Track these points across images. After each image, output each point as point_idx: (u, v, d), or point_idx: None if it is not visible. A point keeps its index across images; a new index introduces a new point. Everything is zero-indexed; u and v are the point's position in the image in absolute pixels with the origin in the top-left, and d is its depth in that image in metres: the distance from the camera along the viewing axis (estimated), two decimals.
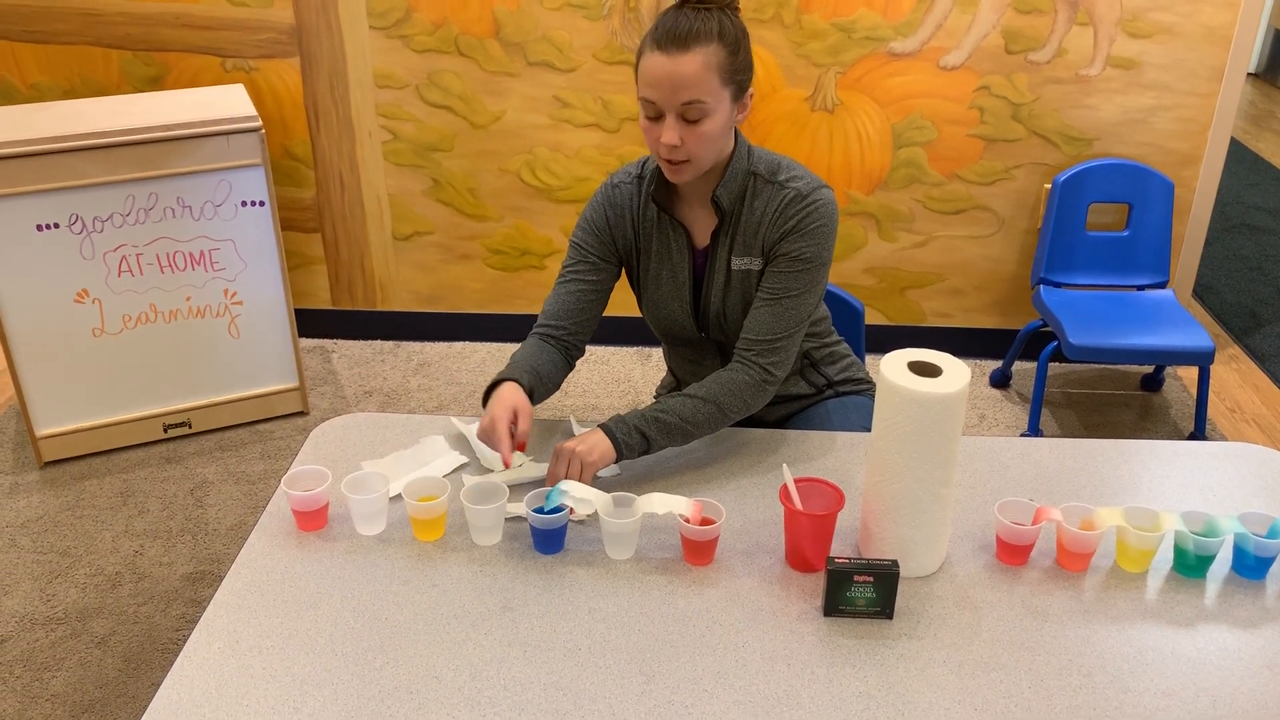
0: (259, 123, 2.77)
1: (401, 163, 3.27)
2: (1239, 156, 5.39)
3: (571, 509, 1.50)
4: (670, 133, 1.56)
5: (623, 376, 3.30)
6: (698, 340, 1.84)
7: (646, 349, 3.46)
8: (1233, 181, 5.04)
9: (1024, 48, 3.00)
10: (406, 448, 1.71)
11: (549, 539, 1.48)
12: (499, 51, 3.10)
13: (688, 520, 1.46)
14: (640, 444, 1.61)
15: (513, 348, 3.48)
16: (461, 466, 1.68)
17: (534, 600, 1.41)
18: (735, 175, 1.68)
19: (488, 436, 1.58)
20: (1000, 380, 3.27)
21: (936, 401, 1.35)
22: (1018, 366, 3.35)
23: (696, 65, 1.52)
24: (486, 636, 1.35)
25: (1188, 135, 3.08)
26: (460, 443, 1.73)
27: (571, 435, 1.75)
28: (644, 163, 1.78)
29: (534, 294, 3.44)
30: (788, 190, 1.68)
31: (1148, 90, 3.03)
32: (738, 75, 1.58)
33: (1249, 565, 1.45)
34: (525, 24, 3.06)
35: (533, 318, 3.45)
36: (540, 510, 1.47)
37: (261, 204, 2.85)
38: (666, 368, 2.05)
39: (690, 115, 1.55)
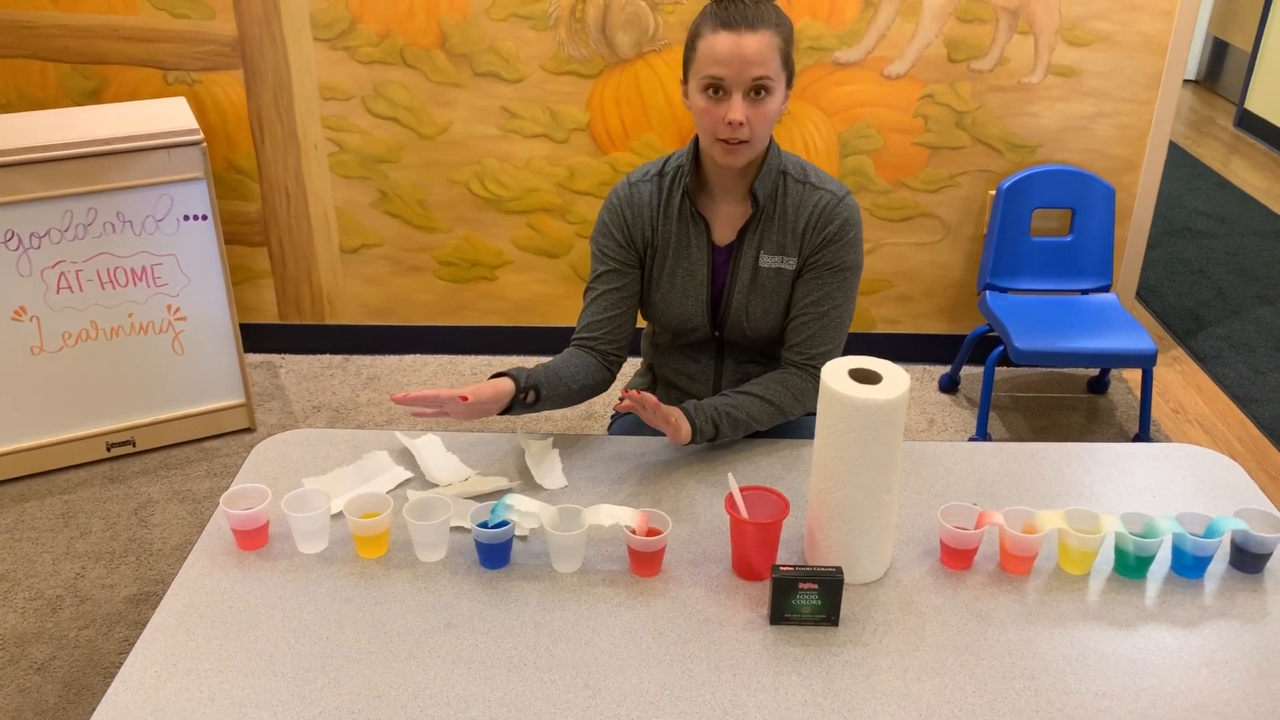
0: (200, 136, 2.73)
1: (348, 175, 3.24)
2: (1180, 161, 5.49)
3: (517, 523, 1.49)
4: (738, 110, 1.58)
5: None
6: (704, 340, 1.84)
7: None
8: (1174, 186, 5.14)
9: (966, 56, 3.04)
10: (349, 464, 1.69)
11: (494, 553, 1.47)
12: (445, 62, 3.09)
13: (634, 531, 1.45)
14: (711, 433, 1.68)
15: (464, 360, 3.45)
16: (406, 482, 1.66)
17: (479, 616, 1.39)
18: (770, 170, 1.71)
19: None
20: (949, 385, 3.30)
21: (876, 408, 1.36)
22: (966, 371, 3.39)
23: (764, 43, 1.58)
24: (430, 654, 1.33)
25: (1128, 141, 3.13)
26: (405, 458, 1.71)
27: (520, 450, 1.74)
28: (665, 161, 1.79)
29: (485, 305, 3.43)
30: (823, 194, 1.73)
31: (1088, 97, 3.08)
32: (789, 64, 1.65)
33: (1187, 565, 1.47)
34: (472, 35, 3.05)
35: (485, 329, 3.44)
36: (485, 525, 1.46)
37: (204, 218, 2.81)
38: (643, 366, 2.02)
39: (757, 92, 1.59)
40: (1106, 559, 1.51)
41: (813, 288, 1.73)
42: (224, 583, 1.45)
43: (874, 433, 1.38)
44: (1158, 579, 1.48)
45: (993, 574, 1.49)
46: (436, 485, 1.64)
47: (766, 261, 1.75)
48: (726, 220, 1.77)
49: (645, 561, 1.46)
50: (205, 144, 2.74)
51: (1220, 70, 6.75)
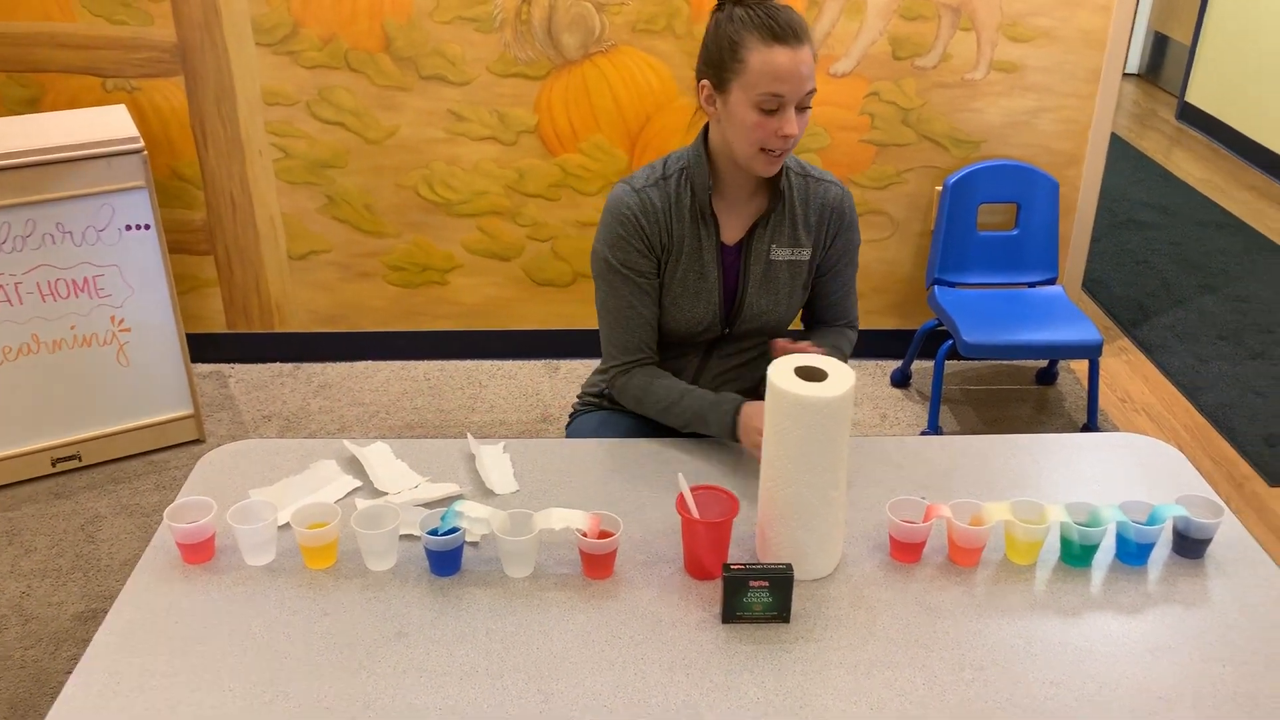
0: (141, 144, 2.68)
1: (294, 181, 3.21)
2: (1125, 155, 5.59)
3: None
4: (793, 124, 1.61)
5: (531, 390, 3.28)
6: (700, 341, 1.84)
7: (555, 361, 3.45)
8: (1119, 179, 5.23)
9: (911, 54, 3.07)
10: (297, 474, 1.67)
11: (444, 561, 1.46)
12: (390, 66, 3.06)
13: (585, 534, 1.45)
14: None
15: (416, 365, 3.42)
16: (355, 490, 1.64)
17: (429, 624, 1.38)
18: (782, 167, 1.74)
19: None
20: (900, 380, 3.33)
21: (822, 406, 1.37)
22: (918, 365, 3.42)
23: (810, 57, 1.61)
24: (380, 664, 1.32)
25: (1070, 135, 3.18)
26: (353, 466, 1.69)
27: (470, 455, 1.73)
28: (663, 165, 1.78)
29: (437, 310, 3.40)
30: (827, 186, 1.81)
31: (1030, 92, 3.12)
32: None
33: (1131, 552, 1.50)
34: (416, 38, 3.03)
35: (437, 334, 3.42)
36: (435, 532, 1.45)
37: (147, 227, 2.76)
38: (600, 376, 2.00)
39: (804, 105, 1.63)
40: (1052, 549, 1.53)
41: (839, 272, 1.87)
42: (170, 597, 1.43)
43: (821, 430, 1.39)
44: (1103, 567, 1.50)
45: (941, 566, 1.50)
46: (386, 493, 1.62)
47: (779, 254, 1.79)
48: (735, 219, 1.78)
49: (597, 564, 1.46)
50: (146, 152, 2.70)
51: (1161, 64, 6.88)
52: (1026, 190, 3.14)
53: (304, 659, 1.32)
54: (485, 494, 1.64)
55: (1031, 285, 3.19)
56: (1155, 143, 5.80)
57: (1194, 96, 6.06)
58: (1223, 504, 1.56)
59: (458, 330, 3.43)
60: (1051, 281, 3.19)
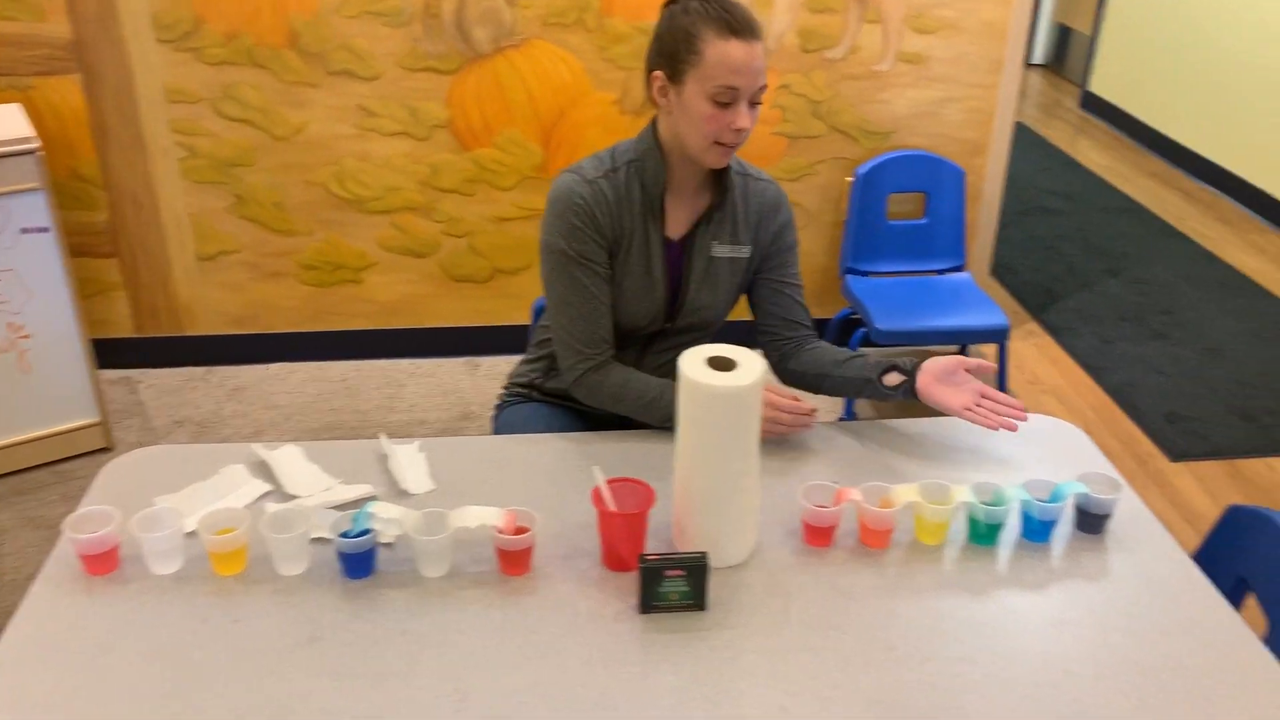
0: (37, 144, 2.59)
1: (201, 180, 3.13)
2: (1032, 143, 5.74)
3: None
4: (746, 118, 1.62)
5: (451, 388, 3.26)
6: (644, 335, 1.83)
7: (475, 359, 3.42)
8: (1027, 167, 5.37)
9: (819, 46, 3.11)
10: (205, 480, 1.63)
11: (357, 563, 1.44)
12: (297, 62, 3.00)
13: (501, 531, 1.45)
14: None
15: (332, 366, 3.37)
16: (265, 495, 1.61)
17: (343, 628, 1.36)
18: (728, 166, 1.75)
19: (773, 427, 1.69)
20: None
21: (733, 394, 1.38)
22: None
23: (763, 51, 1.62)
24: (293, 670, 1.30)
25: (975, 125, 3.25)
26: (263, 470, 1.66)
27: (384, 455, 1.71)
28: (611, 156, 1.75)
29: (352, 309, 3.35)
30: (765, 185, 1.83)
31: (936, 83, 3.19)
32: None
33: (1035, 530, 1.54)
34: (323, 33, 2.97)
35: (353, 334, 3.37)
36: (347, 534, 1.43)
37: (44, 230, 2.67)
38: (535, 355, 1.98)
39: (756, 99, 1.63)
40: (960, 529, 1.57)
41: (781, 269, 1.85)
42: (72, 611, 1.39)
43: (732, 419, 1.40)
44: (1009, 545, 1.54)
45: (853, 549, 1.53)
46: (297, 497, 1.60)
47: (720, 251, 1.79)
48: (680, 214, 1.78)
49: (514, 560, 1.46)
50: (43, 152, 2.61)
51: (1065, 55, 7.07)
52: (934, 179, 3.21)
53: (214, 668, 1.30)
54: (400, 494, 1.62)
55: (941, 272, 3.26)
56: (1061, 132, 5.97)
57: (1096, 86, 6.25)
58: (1121, 480, 1.61)
59: (374, 329, 3.39)
60: (960, 268, 3.26)
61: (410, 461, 1.68)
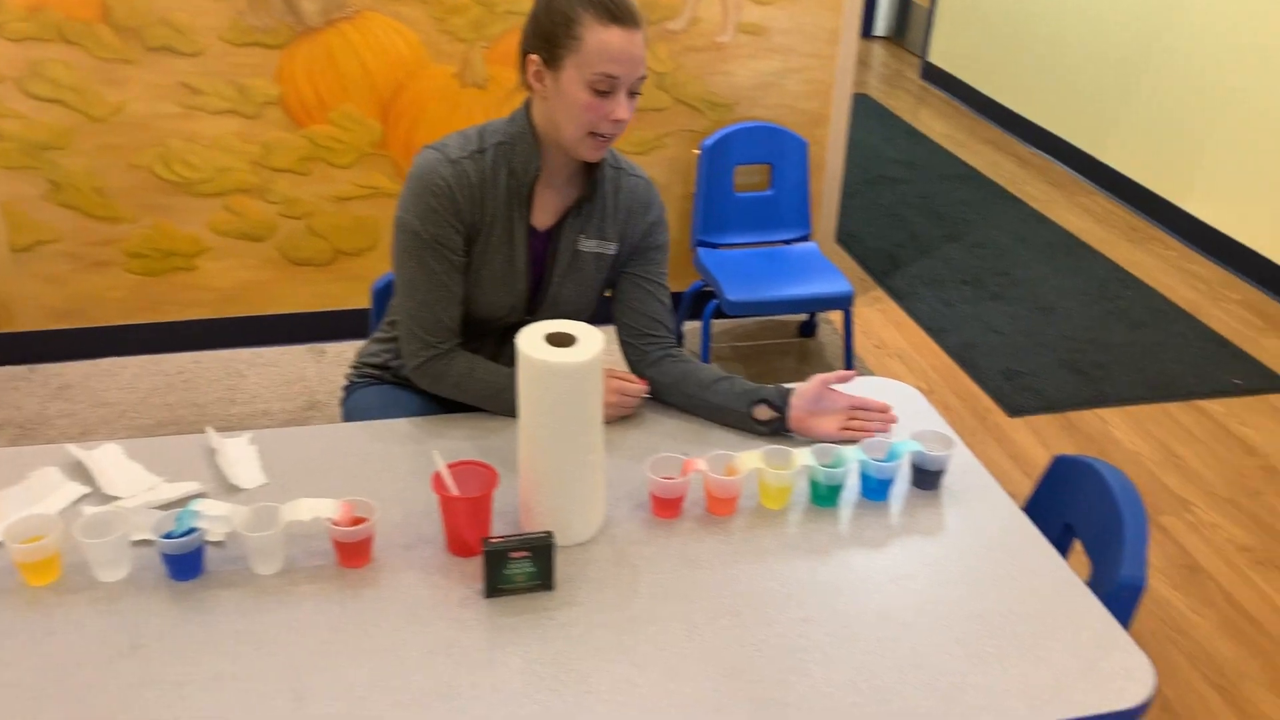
0: None
1: (10, 165, 2.92)
2: (876, 114, 5.89)
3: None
4: (625, 108, 1.57)
5: (295, 377, 3.14)
6: (502, 326, 1.77)
7: (320, 345, 3.31)
8: (871, 137, 5.51)
9: (661, 17, 3.10)
10: (14, 485, 1.52)
11: (183, 564, 1.37)
12: (111, 37, 2.82)
13: (336, 523, 1.39)
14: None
15: (167, 358, 3.21)
16: (82, 498, 1.51)
17: (169, 633, 1.29)
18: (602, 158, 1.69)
19: (622, 399, 1.70)
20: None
21: (572, 371, 1.36)
22: (688, 326, 3.50)
23: (644, 40, 1.57)
24: (114, 680, 1.22)
25: (815, 95, 3.31)
26: (78, 472, 1.56)
27: (212, 450, 1.62)
28: (480, 137, 1.67)
29: (186, 298, 3.19)
30: (636, 180, 1.77)
31: (775, 54, 3.22)
32: None
33: (873, 489, 1.58)
34: (139, 6, 2.80)
35: (189, 324, 3.21)
36: (170, 535, 1.36)
37: None
38: (377, 346, 1.91)
39: (635, 90, 1.59)
40: (803, 492, 1.59)
41: (647, 268, 1.79)
42: None
43: (573, 395, 1.38)
44: (849, 505, 1.58)
45: (701, 519, 1.54)
46: (117, 498, 1.50)
47: (586, 245, 1.74)
48: (549, 204, 1.72)
49: (352, 552, 1.41)
50: None
51: (906, 27, 7.29)
52: (778, 150, 3.25)
53: (27, 686, 1.21)
54: (230, 490, 1.55)
55: (788, 242, 3.32)
56: (903, 102, 6.14)
57: (935, 57, 6.45)
58: (954, 436, 1.66)
59: (211, 318, 3.23)
60: (806, 238, 3.32)
61: (240, 455, 1.60)
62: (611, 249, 1.77)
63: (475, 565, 1.43)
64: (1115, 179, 4.80)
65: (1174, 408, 3.21)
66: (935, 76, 6.43)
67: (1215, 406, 3.22)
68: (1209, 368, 3.43)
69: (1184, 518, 2.72)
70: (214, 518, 1.38)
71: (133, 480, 1.54)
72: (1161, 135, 4.48)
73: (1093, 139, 4.96)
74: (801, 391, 1.69)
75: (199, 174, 3.03)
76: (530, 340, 1.39)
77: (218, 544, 1.43)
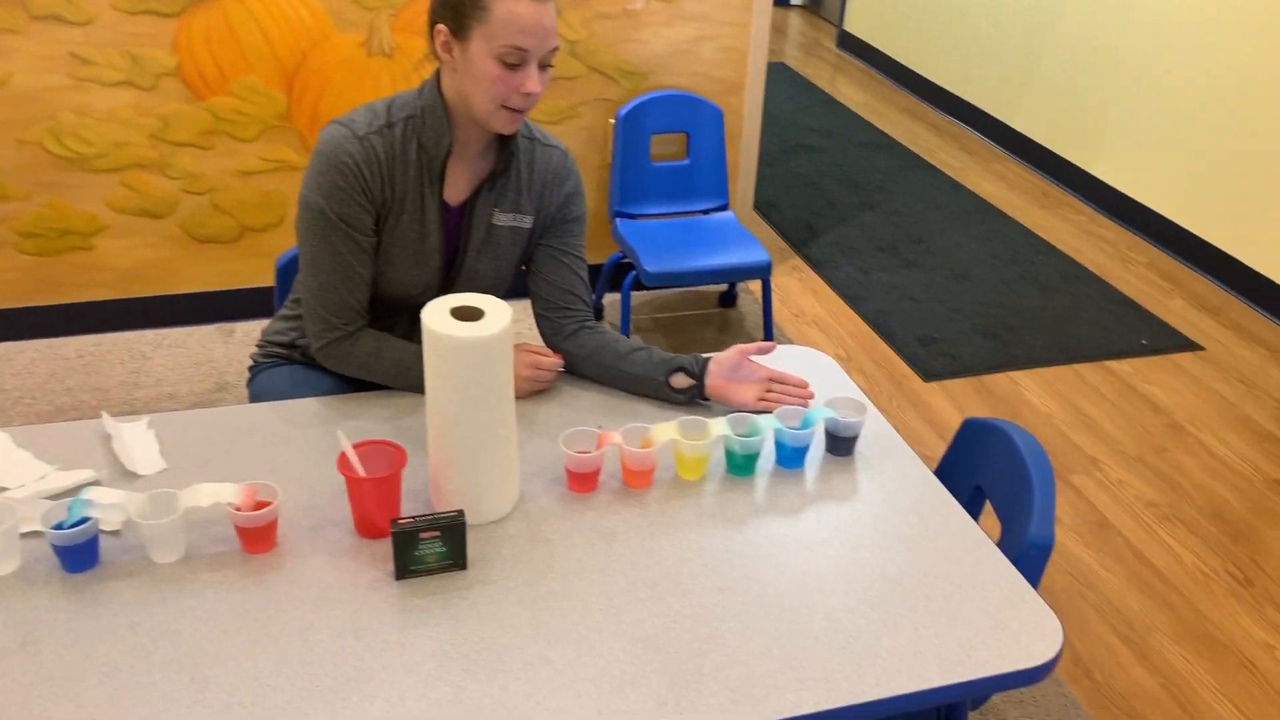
0: None
1: None
2: (793, 83, 5.90)
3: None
4: (536, 81, 1.53)
5: (203, 358, 3.04)
6: (416, 304, 1.71)
7: (229, 325, 3.21)
8: (789, 106, 5.52)
9: None
10: None
11: (76, 555, 1.31)
12: None
13: (238, 508, 1.35)
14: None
15: (66, 342, 3.08)
16: None
17: (62, 627, 1.24)
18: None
19: (536, 372, 1.69)
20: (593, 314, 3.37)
21: (480, 345, 1.33)
22: (609, 298, 3.47)
23: (555, 11, 1.54)
24: (2, 679, 1.17)
25: (730, 63, 3.29)
26: None
27: (108, 436, 1.56)
28: (387, 110, 1.61)
29: (85, 278, 3.07)
30: (552, 151, 1.74)
31: (690, 22, 3.19)
32: None
33: (788, 456, 1.58)
34: None
35: (89, 305, 3.09)
36: (61, 525, 1.30)
37: None
38: (281, 325, 1.85)
39: (547, 62, 1.55)
40: (719, 462, 1.59)
41: (564, 240, 1.76)
42: None
43: (481, 370, 1.35)
44: (765, 474, 1.58)
45: (617, 492, 1.52)
46: (5, 489, 1.43)
47: (501, 220, 1.69)
48: (461, 178, 1.66)
49: (255, 537, 1.36)
50: None
51: None
52: (694, 119, 3.23)
53: None
54: (128, 477, 1.49)
55: (705, 212, 3.31)
56: (820, 71, 6.16)
57: (851, 25, 6.48)
58: (867, 402, 1.67)
59: (112, 299, 3.11)
60: (724, 207, 3.32)
61: (138, 441, 1.54)
62: (527, 222, 1.73)
63: (385, 547, 1.40)
64: (1027, 145, 4.89)
65: (1084, 369, 3.29)
66: (851, 45, 6.47)
67: (1123, 367, 3.31)
68: (1117, 329, 3.52)
69: (1093, 476, 2.79)
70: (107, 506, 1.32)
71: (21, 469, 1.47)
72: (1069, 102, 4.57)
73: (1004, 106, 5.03)
74: (720, 359, 1.68)
75: (93, 149, 2.91)
76: (435, 315, 1.36)
77: (113, 533, 1.38)
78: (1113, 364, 3.32)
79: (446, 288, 1.73)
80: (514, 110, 1.56)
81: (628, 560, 1.39)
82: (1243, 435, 2.99)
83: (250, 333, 3.17)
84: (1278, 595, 2.42)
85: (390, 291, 1.70)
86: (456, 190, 1.68)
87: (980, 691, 1.26)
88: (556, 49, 1.56)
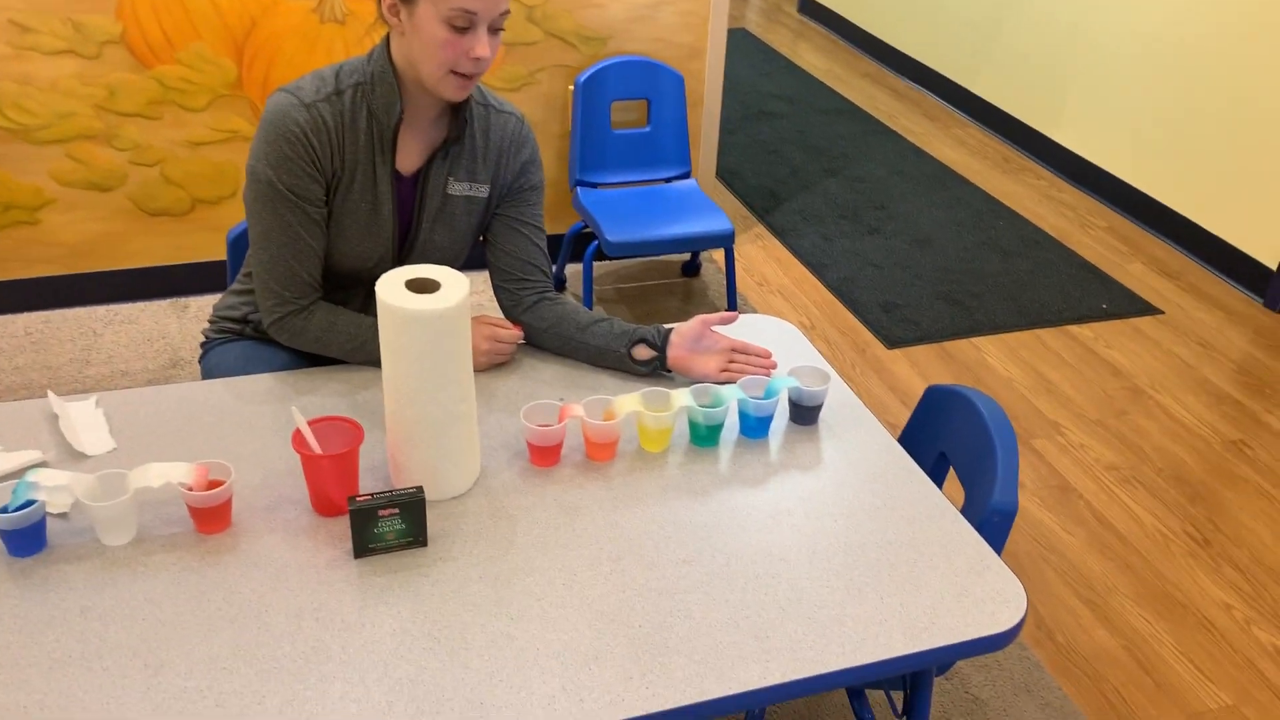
0: None
1: None
2: (755, 50, 5.86)
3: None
4: (485, 45, 1.50)
5: (156, 333, 2.98)
6: (370, 277, 1.68)
7: (183, 299, 3.15)
8: (750, 73, 5.48)
9: None
10: None
11: (22, 539, 1.27)
12: None
13: (190, 488, 1.31)
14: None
15: (14, 319, 3.00)
16: None
17: (9, 614, 1.20)
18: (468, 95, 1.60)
19: (496, 345, 1.66)
20: (556, 284, 3.34)
21: (436, 318, 1.30)
22: (571, 269, 3.44)
23: None
24: None
25: (691, 28, 3.25)
26: None
27: (54, 415, 1.51)
28: (335, 77, 1.56)
29: (31, 254, 2.99)
30: (508, 117, 1.70)
31: None
32: None
33: (752, 426, 1.57)
34: None
35: (36, 281, 3.01)
36: (5, 509, 1.26)
37: None
38: (234, 299, 1.80)
39: (497, 26, 1.52)
40: (683, 433, 1.57)
41: (522, 209, 1.72)
42: None
43: (438, 344, 1.32)
44: (729, 444, 1.56)
45: (580, 465, 1.50)
46: None
47: (456, 189, 1.66)
48: (414, 147, 1.62)
49: (208, 517, 1.33)
50: None
51: None
52: (654, 85, 3.19)
53: None
54: (76, 458, 1.45)
55: (667, 180, 3.27)
56: (782, 37, 6.12)
57: None
58: (830, 371, 1.66)
59: (60, 275, 3.04)
60: (686, 175, 3.29)
61: (85, 420, 1.50)
62: (483, 191, 1.70)
63: (343, 525, 1.37)
64: (988, 111, 4.89)
65: (1045, 334, 3.31)
66: (813, 10, 6.42)
67: (1084, 331, 3.33)
68: (1078, 294, 3.54)
69: (1055, 440, 2.81)
70: (54, 488, 1.29)
71: None
72: (1030, 68, 4.57)
73: (965, 72, 5.03)
74: (682, 330, 1.66)
75: (36, 120, 2.82)
76: (390, 287, 1.33)
77: (61, 516, 1.34)
78: (1074, 328, 3.34)
79: (401, 260, 1.70)
80: (464, 76, 1.52)
81: (591, 534, 1.38)
82: (1201, 398, 3.02)
83: (205, 308, 3.11)
84: (1235, 555, 2.46)
85: (343, 264, 1.66)
86: (409, 159, 1.64)
87: (945, 659, 1.26)
88: (507, 13, 1.52)
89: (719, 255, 3.61)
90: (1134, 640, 2.22)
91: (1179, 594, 2.34)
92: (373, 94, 1.57)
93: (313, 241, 1.60)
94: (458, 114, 1.63)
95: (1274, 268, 3.50)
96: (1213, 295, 3.58)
